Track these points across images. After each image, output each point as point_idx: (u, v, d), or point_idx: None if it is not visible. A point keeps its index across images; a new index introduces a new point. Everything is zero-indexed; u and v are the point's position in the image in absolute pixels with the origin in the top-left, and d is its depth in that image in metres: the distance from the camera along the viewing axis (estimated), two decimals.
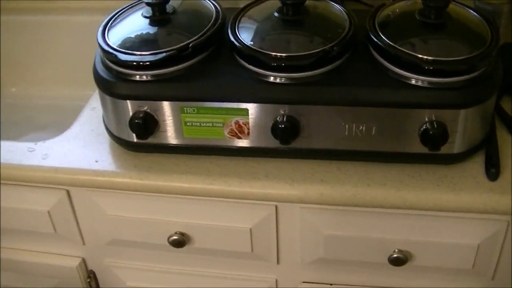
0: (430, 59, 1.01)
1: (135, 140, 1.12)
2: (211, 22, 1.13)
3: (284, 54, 1.04)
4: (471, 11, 1.13)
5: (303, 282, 1.24)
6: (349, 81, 1.04)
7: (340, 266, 1.19)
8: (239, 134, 1.08)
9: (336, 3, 1.17)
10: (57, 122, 1.27)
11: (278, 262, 1.21)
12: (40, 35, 1.58)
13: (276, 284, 1.25)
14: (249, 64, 1.07)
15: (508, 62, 1.18)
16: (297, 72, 1.04)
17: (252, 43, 1.08)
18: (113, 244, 1.24)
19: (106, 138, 1.18)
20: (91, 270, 1.31)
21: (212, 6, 1.18)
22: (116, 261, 1.29)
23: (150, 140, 1.11)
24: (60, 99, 1.59)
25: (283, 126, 1.04)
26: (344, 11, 1.15)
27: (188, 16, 1.18)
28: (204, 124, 1.08)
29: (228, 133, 1.09)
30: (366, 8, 1.31)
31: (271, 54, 1.04)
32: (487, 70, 1.03)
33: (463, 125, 1.03)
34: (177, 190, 1.11)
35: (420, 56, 1.01)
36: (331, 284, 1.22)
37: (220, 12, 1.16)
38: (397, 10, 1.14)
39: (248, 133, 1.08)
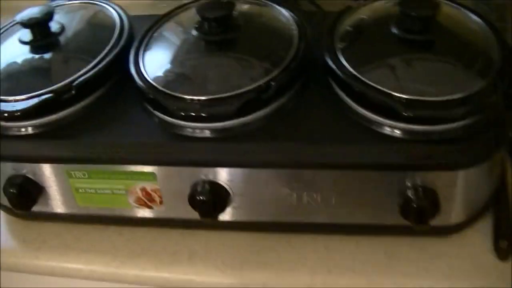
0: (411, 99, 0.63)
1: None
2: (110, 44, 0.75)
3: (202, 97, 0.66)
4: (471, 15, 0.73)
5: None
6: (296, 131, 0.66)
7: None
8: (149, 203, 0.72)
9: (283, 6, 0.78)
10: None
11: None
12: None
13: None
14: (155, 110, 0.69)
15: None
16: (222, 120, 0.67)
17: (158, 79, 0.69)
18: None
19: None
20: None
21: (116, 16, 0.80)
22: None
23: (38, 208, 0.74)
24: None
25: (202, 198, 0.67)
26: (293, 17, 0.76)
27: (83, 35, 0.79)
28: (101, 191, 0.71)
29: (134, 202, 0.72)
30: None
31: (185, 98, 0.67)
32: (495, 109, 0.64)
33: (462, 190, 0.65)
34: (75, 274, 0.75)
35: (396, 94, 0.63)
36: None
37: (126, 26, 0.78)
38: (366, 19, 0.75)
39: (161, 202, 0.71)
